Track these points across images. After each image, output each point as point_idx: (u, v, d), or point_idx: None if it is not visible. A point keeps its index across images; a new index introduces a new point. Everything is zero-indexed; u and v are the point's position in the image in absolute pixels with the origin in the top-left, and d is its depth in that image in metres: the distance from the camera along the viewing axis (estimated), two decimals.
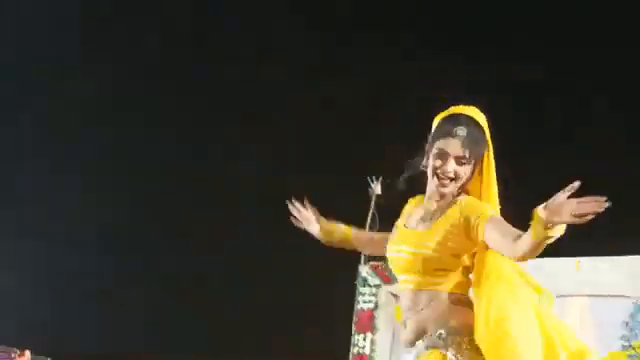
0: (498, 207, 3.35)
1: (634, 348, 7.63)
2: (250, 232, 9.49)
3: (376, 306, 8.48)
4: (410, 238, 3.33)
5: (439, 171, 3.25)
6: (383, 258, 8.47)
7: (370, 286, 8.53)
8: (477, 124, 3.27)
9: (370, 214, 7.57)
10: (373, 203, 7.27)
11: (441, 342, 3.19)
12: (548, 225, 2.81)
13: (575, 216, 2.77)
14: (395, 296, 8.43)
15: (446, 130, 3.25)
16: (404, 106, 8.53)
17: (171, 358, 9.13)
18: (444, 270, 3.24)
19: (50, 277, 9.58)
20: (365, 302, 8.50)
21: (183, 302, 9.64)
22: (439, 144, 3.26)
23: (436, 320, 3.25)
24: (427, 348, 3.23)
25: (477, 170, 3.29)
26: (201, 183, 9.90)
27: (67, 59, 9.85)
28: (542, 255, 7.26)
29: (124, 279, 9.66)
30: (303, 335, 9.12)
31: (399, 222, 3.48)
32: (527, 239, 2.93)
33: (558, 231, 2.86)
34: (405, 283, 3.33)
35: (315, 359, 8.62)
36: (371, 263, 8.54)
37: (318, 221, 3.99)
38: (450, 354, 3.17)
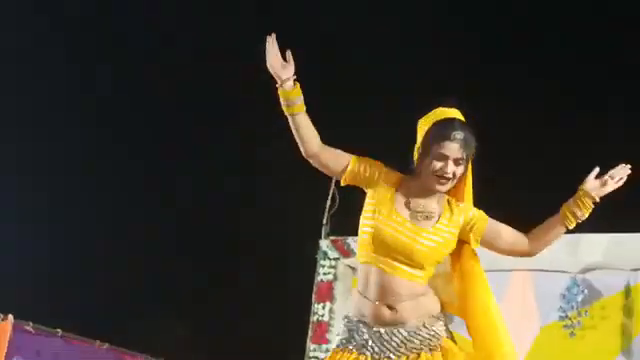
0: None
1: (570, 318, 8.16)
2: (220, 205, 9.84)
3: (335, 278, 8.89)
4: (414, 231, 3.46)
5: (439, 172, 3.43)
6: (342, 233, 9.08)
7: (330, 259, 8.91)
8: (468, 127, 3.49)
9: (330, 193, 8.04)
10: (333, 183, 7.63)
11: (444, 328, 3.51)
12: (596, 200, 3.58)
13: (617, 182, 3.59)
14: (353, 269, 8.93)
15: (444, 134, 3.43)
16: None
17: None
18: (430, 265, 3.49)
19: (35, 245, 9.85)
20: (325, 274, 8.89)
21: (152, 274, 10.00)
22: (438, 148, 3.43)
23: (424, 306, 3.50)
24: (433, 334, 3.47)
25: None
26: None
27: None
28: None
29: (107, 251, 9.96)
30: (267, 304, 9.48)
31: (384, 197, 3.51)
32: (554, 226, 3.62)
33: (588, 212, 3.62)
34: (388, 267, 3.45)
35: (278, 327, 9.01)
36: (331, 238, 8.95)
37: (288, 72, 3.49)
38: (453, 339, 3.53)
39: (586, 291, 8.17)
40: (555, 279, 8.26)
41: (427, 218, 3.48)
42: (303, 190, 7.81)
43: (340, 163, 3.54)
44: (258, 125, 9.75)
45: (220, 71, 9.97)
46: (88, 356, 8.79)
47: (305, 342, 8.70)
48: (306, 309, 8.85)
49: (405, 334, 3.44)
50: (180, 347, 9.55)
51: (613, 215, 7.52)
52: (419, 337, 3.45)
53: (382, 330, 3.45)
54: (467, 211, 3.55)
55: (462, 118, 3.56)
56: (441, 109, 3.58)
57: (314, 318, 8.82)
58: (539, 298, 8.37)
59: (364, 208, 3.57)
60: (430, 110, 3.66)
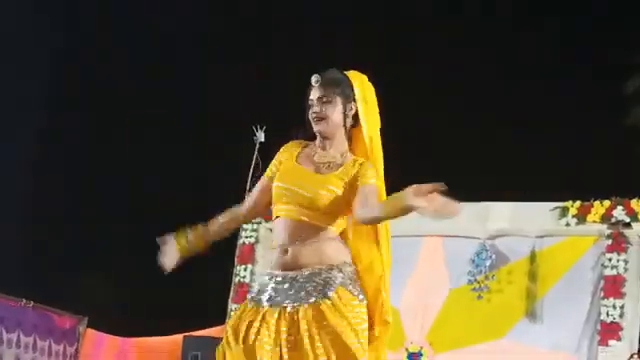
0: (382, 168, 3.61)
1: (478, 282, 8.54)
2: (145, 171, 9.94)
3: (256, 241, 9.12)
4: (311, 179, 3.51)
5: (312, 115, 3.53)
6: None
7: (252, 223, 9.05)
8: (333, 72, 3.60)
9: (254, 160, 8.24)
10: (257, 150, 7.83)
11: (341, 275, 3.45)
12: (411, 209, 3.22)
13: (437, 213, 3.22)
14: None
15: (309, 84, 3.59)
16: None
17: None
18: (333, 212, 3.48)
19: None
20: (247, 237, 9.14)
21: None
22: (307, 96, 3.57)
23: (324, 253, 3.48)
24: (327, 281, 3.44)
25: (360, 129, 3.59)
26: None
27: None
28: None
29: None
30: (191, 266, 9.65)
31: (286, 161, 3.60)
32: (377, 212, 3.38)
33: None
34: (291, 213, 3.48)
35: (201, 288, 9.18)
36: None
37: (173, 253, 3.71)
38: (354, 290, 3.46)
39: (494, 256, 8.52)
40: (465, 245, 8.60)
41: (329, 168, 3.53)
42: (226, 157, 7.98)
43: (263, 196, 3.64)
44: (181, 89, 9.88)
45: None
46: (14, 314, 8.90)
47: (227, 302, 8.88)
48: (228, 271, 9.06)
49: (302, 280, 3.45)
50: (103, 307, 9.67)
51: (518, 185, 8.17)
52: (312, 283, 3.44)
53: (280, 277, 3.48)
54: (364, 169, 3.53)
55: (339, 71, 3.63)
56: None
57: (236, 279, 9.01)
58: (449, 263, 8.71)
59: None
60: None
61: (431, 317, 8.66)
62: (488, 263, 8.52)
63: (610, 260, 8.24)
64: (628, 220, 8.27)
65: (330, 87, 3.54)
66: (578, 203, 8.34)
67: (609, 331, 8.11)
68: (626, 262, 8.24)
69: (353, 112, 3.57)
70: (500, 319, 8.47)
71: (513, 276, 8.53)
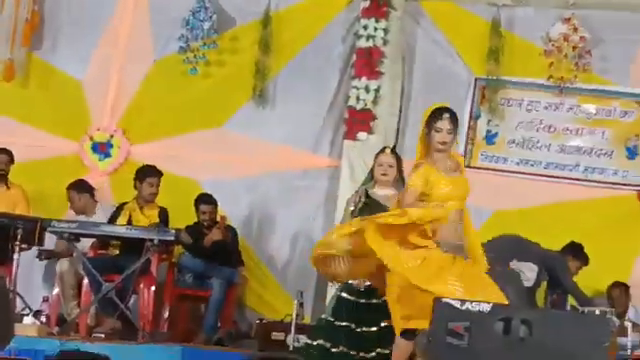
0: None
1: (192, 51, 6.86)
2: None
3: None
4: (456, 181, 4.57)
5: (441, 140, 4.54)
6: None
7: None
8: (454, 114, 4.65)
9: None
10: None
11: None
12: None
13: None
14: None
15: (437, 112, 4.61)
16: None
17: None
18: None
19: None
20: None
21: None
22: (434, 122, 4.56)
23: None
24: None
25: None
26: None
27: None
28: None
29: None
30: None
31: (432, 173, 4.51)
32: None
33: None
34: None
35: None
36: None
37: None
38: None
39: (215, 17, 6.96)
40: None
41: (454, 173, 4.68)
42: None
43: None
44: None
45: None
46: None
47: None
48: None
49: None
50: None
51: None
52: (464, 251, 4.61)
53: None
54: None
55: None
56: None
57: None
58: (154, 23, 7.11)
59: None
60: None
61: (127, 96, 7.16)
62: (207, 25, 6.95)
63: (365, 28, 6.90)
64: None
65: (454, 125, 4.61)
66: None
67: (358, 121, 6.84)
68: (386, 31, 6.93)
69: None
70: (219, 102, 7.04)
71: (240, 44, 7.08)
